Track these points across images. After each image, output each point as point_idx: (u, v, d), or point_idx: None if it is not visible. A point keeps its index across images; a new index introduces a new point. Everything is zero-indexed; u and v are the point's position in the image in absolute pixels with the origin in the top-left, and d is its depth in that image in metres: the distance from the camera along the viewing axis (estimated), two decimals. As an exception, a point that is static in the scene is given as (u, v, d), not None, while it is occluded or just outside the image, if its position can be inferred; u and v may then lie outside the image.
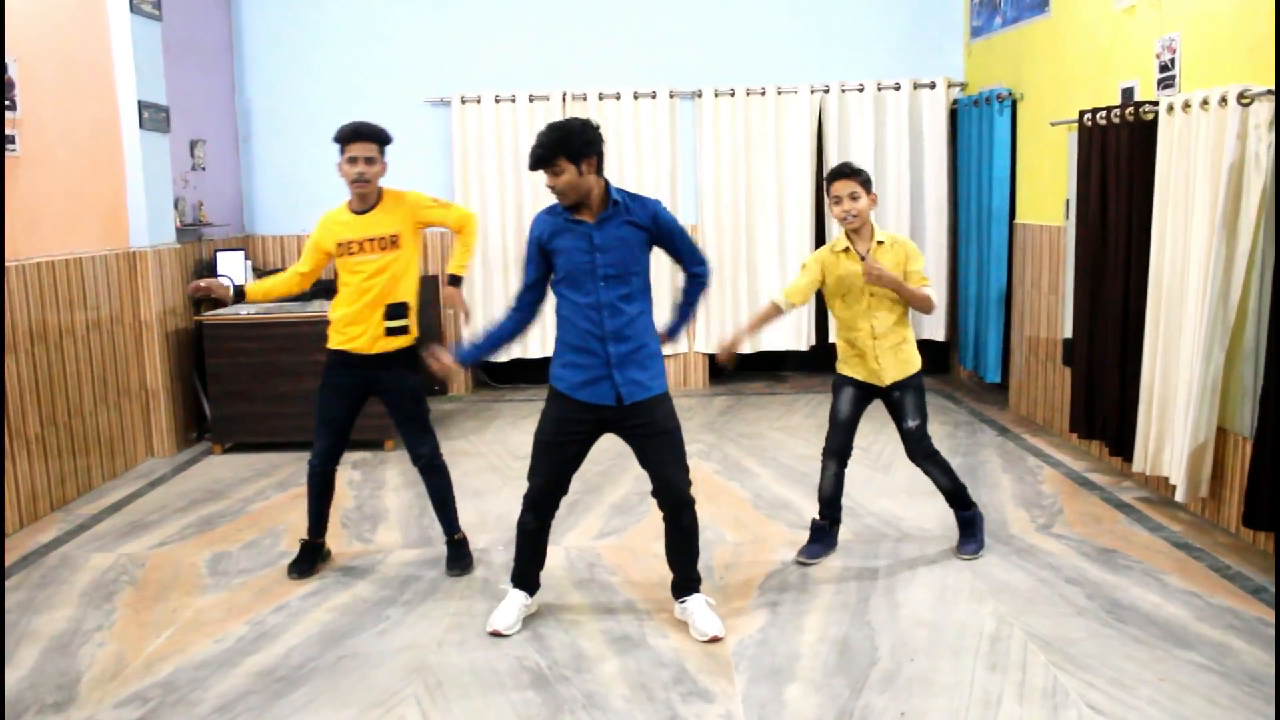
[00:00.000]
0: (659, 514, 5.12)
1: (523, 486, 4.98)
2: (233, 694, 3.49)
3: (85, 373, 5.82)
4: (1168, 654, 3.65)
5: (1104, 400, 5.72)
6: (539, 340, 8.11)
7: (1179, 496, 4.90)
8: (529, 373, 8.47)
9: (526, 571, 4.04)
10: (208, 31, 7.64)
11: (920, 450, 4.58)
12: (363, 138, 4.28)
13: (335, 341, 4.44)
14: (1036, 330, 6.90)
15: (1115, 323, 5.56)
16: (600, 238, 3.70)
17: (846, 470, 4.67)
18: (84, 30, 6.00)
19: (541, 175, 3.70)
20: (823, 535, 4.69)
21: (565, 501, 5.30)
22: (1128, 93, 5.64)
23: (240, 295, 4.65)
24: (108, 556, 4.82)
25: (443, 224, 4.61)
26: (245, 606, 4.21)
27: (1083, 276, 5.90)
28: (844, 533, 4.90)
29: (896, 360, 4.48)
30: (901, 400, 4.52)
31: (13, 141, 5.27)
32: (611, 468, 6.07)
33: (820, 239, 8.12)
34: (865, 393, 4.57)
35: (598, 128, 3.75)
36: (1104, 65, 5.90)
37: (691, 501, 3.89)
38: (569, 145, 3.63)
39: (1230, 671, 3.51)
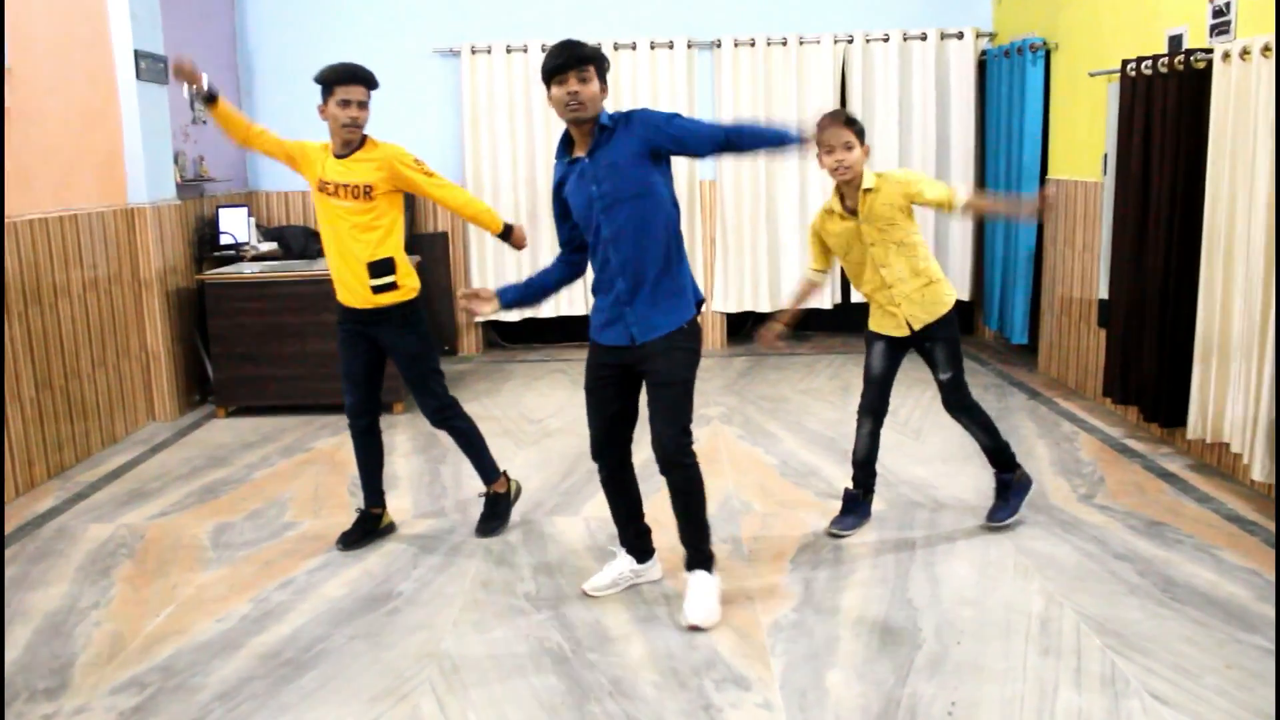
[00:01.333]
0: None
1: (539, 450, 4.76)
2: (235, 679, 3.28)
3: (83, 334, 5.58)
4: (1230, 638, 3.42)
5: (1143, 364, 5.47)
6: (551, 299, 7.84)
7: (1256, 472, 4.60)
8: (542, 333, 8.23)
9: (622, 526, 3.88)
10: (207, -22, 7.33)
11: (955, 402, 4.34)
12: (359, 80, 4.03)
13: (337, 294, 4.26)
14: (1069, 290, 6.63)
15: (1158, 283, 5.30)
16: (592, 168, 3.43)
17: (882, 430, 4.43)
18: (76, -26, 5.71)
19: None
20: (856, 505, 4.45)
21: (585, 467, 5.16)
22: (1175, 40, 5.33)
23: (212, 99, 4.25)
24: (106, 527, 4.61)
25: (424, 194, 4.23)
26: (249, 582, 3.99)
27: (1122, 235, 5.62)
28: (877, 502, 4.66)
29: (923, 303, 4.19)
30: (932, 351, 4.28)
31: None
32: (635, 432, 5.84)
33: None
34: (896, 346, 4.31)
35: None
36: (1149, 12, 5.59)
37: (683, 459, 3.58)
38: (602, 60, 3.44)
39: (1301, 657, 3.28)
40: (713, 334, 8.12)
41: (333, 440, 5.79)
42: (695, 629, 3.53)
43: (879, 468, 4.59)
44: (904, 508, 4.65)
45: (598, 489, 4.91)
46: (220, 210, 6.96)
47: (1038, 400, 6.38)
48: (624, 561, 3.86)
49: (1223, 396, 4.87)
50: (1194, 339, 5.05)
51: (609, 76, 3.53)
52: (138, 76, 6.03)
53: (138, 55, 6.02)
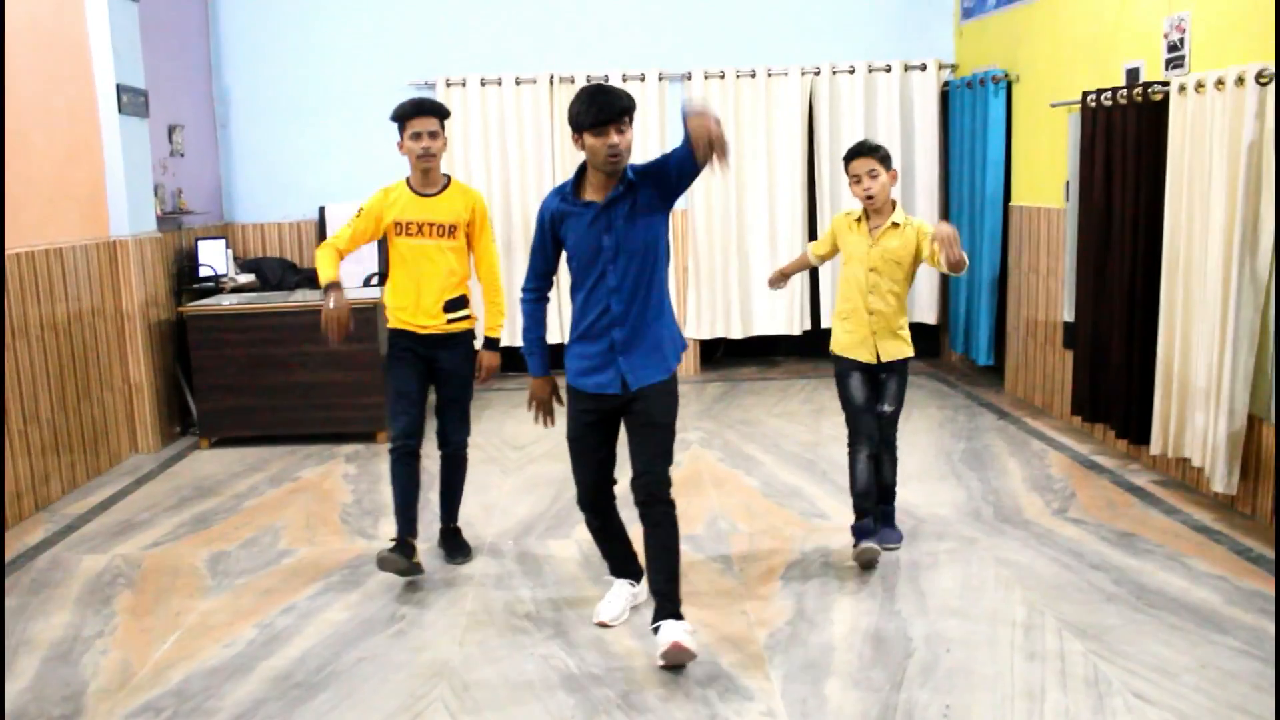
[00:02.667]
0: (687, 503, 5.07)
1: (525, 477, 4.89)
2: (249, 701, 3.34)
3: (68, 367, 5.61)
4: (1204, 639, 3.59)
5: (1109, 383, 5.67)
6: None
7: (1216, 484, 4.80)
8: (516, 362, 8.30)
9: (616, 561, 3.97)
10: (184, 13, 7.40)
11: (887, 436, 4.49)
12: (425, 112, 4.14)
13: (394, 322, 4.33)
14: (1034, 313, 6.85)
15: (1122, 305, 5.51)
16: (606, 218, 3.48)
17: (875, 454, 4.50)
18: (60, 10, 5.76)
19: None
20: (867, 532, 4.39)
21: (571, 493, 5.24)
22: (1133, 73, 5.58)
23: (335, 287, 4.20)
24: (101, 558, 4.64)
25: (477, 247, 4.38)
26: (251, 608, 4.05)
27: (1086, 259, 5.84)
28: (860, 521, 4.82)
29: (894, 343, 4.39)
30: (887, 382, 4.44)
31: (-11, 127, 5.05)
32: (620, 454, 5.95)
33: (812, 222, 8.03)
34: (868, 371, 4.46)
35: None
36: (1107, 46, 5.84)
37: (666, 498, 3.59)
38: (634, 105, 3.45)
39: (1270, 656, 3.45)
40: (686, 360, 8.26)
41: (319, 469, 5.86)
42: (681, 657, 3.45)
43: (847, 484, 4.69)
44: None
45: (577, 520, 5.04)
46: (199, 242, 7.01)
47: (1006, 420, 6.58)
48: (623, 585, 3.95)
49: (1184, 414, 5.07)
50: (1156, 358, 5.26)
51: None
52: (119, 110, 6.09)
53: (119, 89, 6.08)
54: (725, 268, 8.02)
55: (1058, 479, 5.40)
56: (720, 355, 8.59)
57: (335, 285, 4.11)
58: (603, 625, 3.82)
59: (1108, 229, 5.63)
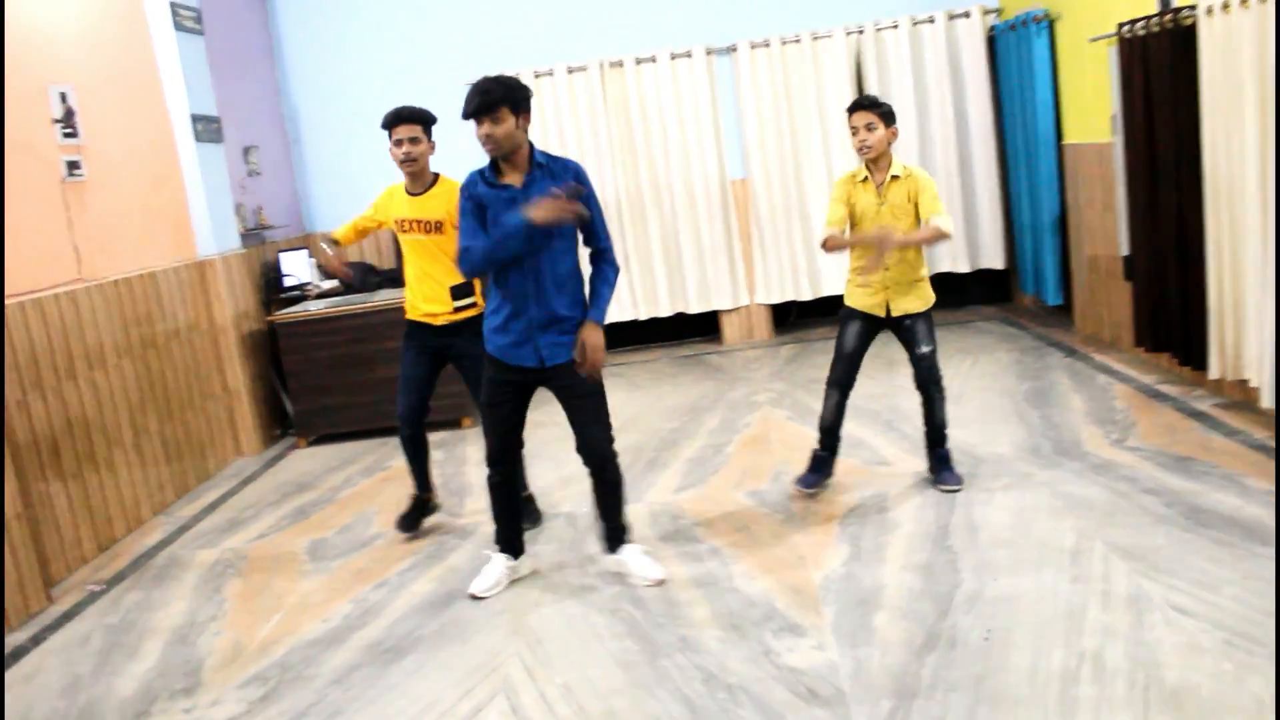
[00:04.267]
0: (737, 463, 5.31)
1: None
2: (345, 667, 3.67)
3: (171, 381, 6.06)
4: (1250, 553, 3.68)
5: (1168, 312, 5.70)
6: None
7: (1265, 400, 4.85)
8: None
9: (507, 530, 4.22)
10: (248, 41, 7.82)
11: (933, 376, 4.68)
12: (404, 120, 4.53)
13: (410, 314, 4.73)
14: (1095, 249, 6.86)
15: (1172, 234, 5.53)
16: (524, 199, 3.71)
17: (849, 402, 4.79)
18: (132, 51, 6.19)
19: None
20: (822, 465, 4.82)
21: (644, 459, 5.52)
22: (1165, -1, 5.58)
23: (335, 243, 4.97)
24: (212, 552, 5.05)
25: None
26: (347, 587, 4.40)
27: (1135, 191, 5.86)
28: (918, 463, 4.98)
29: (910, 296, 4.60)
30: (914, 327, 4.65)
31: (79, 167, 5.48)
32: (686, 423, 6.21)
33: (868, 180, 8.12)
34: (872, 325, 4.66)
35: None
36: (1140, -26, 5.83)
37: (612, 456, 4.02)
38: (514, 96, 3.68)
39: (1315, 563, 3.53)
40: (759, 325, 8.44)
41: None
42: (660, 583, 4.02)
43: (919, 432, 4.86)
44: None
45: (657, 476, 5.31)
46: (281, 255, 7.42)
47: (1075, 357, 6.62)
48: (501, 560, 4.20)
49: (1239, 335, 5.10)
50: (1207, 284, 5.28)
51: (530, 104, 3.77)
52: (196, 138, 6.50)
53: (194, 119, 6.50)
54: (789, 232, 8.16)
55: (1120, 410, 5.46)
56: (794, 319, 8.74)
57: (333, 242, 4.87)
58: (474, 597, 4.10)
59: (1153, 159, 5.65)
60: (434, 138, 4.62)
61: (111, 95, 5.89)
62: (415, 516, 4.94)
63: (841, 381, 4.72)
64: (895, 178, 4.47)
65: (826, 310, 8.63)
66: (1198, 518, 4.02)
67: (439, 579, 4.35)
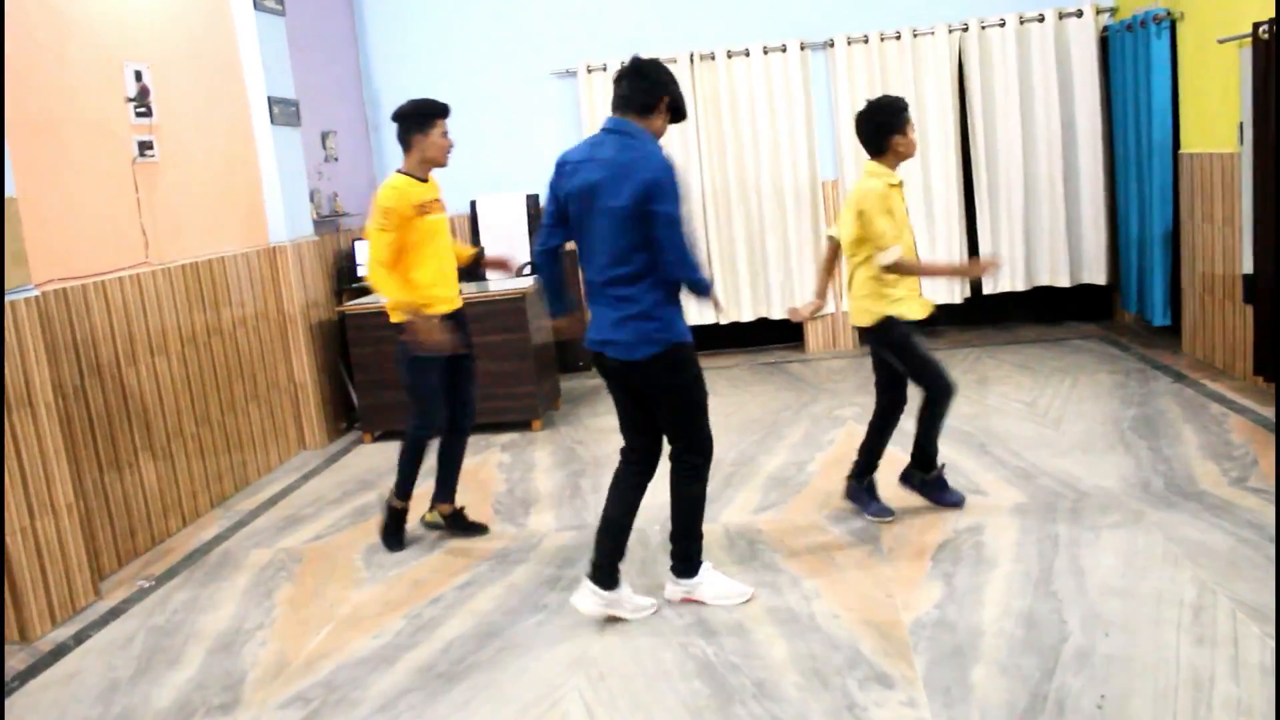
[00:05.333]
0: (820, 485, 5.00)
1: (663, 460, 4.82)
2: (393, 692, 3.43)
3: (235, 370, 5.90)
4: (1402, 621, 3.27)
5: (1296, 339, 5.25)
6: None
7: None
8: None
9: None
10: (331, 22, 7.66)
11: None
12: (448, 114, 4.56)
13: (431, 307, 4.52)
14: (1211, 267, 6.39)
15: (1307, 254, 5.08)
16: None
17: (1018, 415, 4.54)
18: (210, 30, 6.04)
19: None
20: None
21: (720, 474, 5.22)
22: (1310, -1, 5.11)
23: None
24: (266, 552, 4.86)
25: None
26: (401, 599, 4.16)
27: (1265, 205, 5.41)
28: (1018, 495, 4.62)
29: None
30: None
31: (151, 148, 5.33)
32: (765, 436, 5.90)
33: (968, 185, 7.72)
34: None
35: None
36: (1280, -29, 5.36)
37: (685, 460, 3.77)
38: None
39: None
40: (843, 336, 8.07)
41: (476, 459, 5.96)
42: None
43: (1020, 460, 4.53)
44: (1046, 500, 4.56)
45: (735, 494, 5.04)
46: (355, 243, 7.24)
47: (1184, 383, 6.17)
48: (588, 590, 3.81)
49: (1383, 369, 4.64)
50: (1348, 310, 4.83)
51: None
52: (272, 121, 6.34)
53: (271, 101, 6.33)
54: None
55: (1238, 445, 5.02)
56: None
57: (421, 308, 4.44)
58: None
59: (1287, 172, 5.20)
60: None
61: (187, 75, 5.74)
62: (397, 529, 4.78)
63: (954, 384, 4.51)
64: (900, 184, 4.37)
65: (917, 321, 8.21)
66: (1337, 575, 3.61)
67: (498, 598, 4.09)
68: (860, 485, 4.60)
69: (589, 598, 3.74)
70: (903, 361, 4.36)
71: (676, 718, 3.13)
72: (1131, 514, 4.32)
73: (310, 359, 6.51)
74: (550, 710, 3.23)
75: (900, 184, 4.32)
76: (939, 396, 4.42)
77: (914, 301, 4.37)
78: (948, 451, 5.29)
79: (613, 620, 3.79)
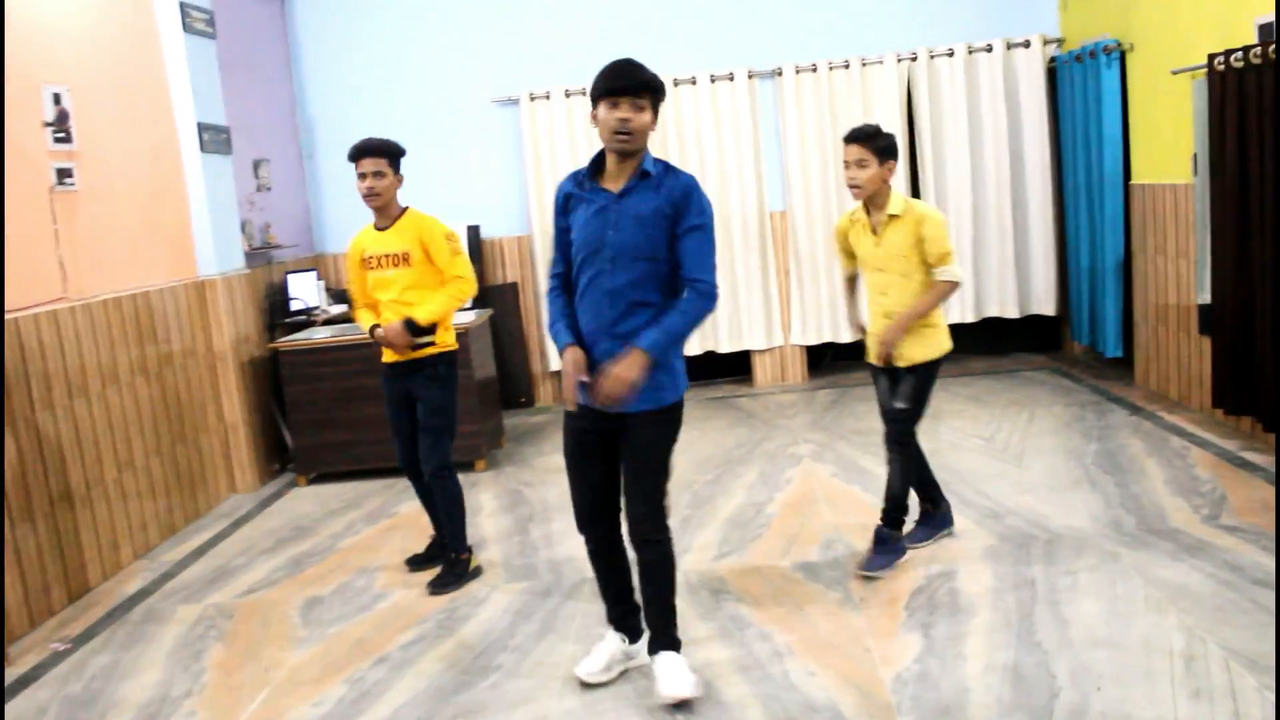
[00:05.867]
0: (782, 528, 4.79)
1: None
2: (338, 767, 3.15)
3: (161, 411, 5.55)
4: (1401, 668, 3.14)
5: (1255, 371, 5.17)
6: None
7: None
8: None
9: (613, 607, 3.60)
10: (264, 47, 7.36)
11: (898, 435, 4.22)
12: (368, 153, 4.33)
13: (382, 355, 4.55)
14: (1164, 298, 6.34)
15: (1269, 284, 5.01)
16: (617, 211, 3.17)
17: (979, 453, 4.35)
18: (137, 52, 5.72)
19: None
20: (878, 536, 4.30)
21: (677, 517, 4.99)
22: (1266, 29, 5.07)
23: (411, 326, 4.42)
24: (194, 608, 4.52)
25: (442, 269, 4.48)
26: (343, 661, 3.86)
27: (1223, 236, 5.35)
28: (989, 537, 4.46)
29: (915, 342, 4.13)
30: (901, 379, 4.19)
31: (70, 175, 5.00)
32: (721, 476, 5.69)
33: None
34: (887, 375, 4.25)
35: None
36: (1234, 3, 5.33)
37: (655, 540, 3.32)
38: (658, 87, 3.19)
39: None
40: (792, 368, 7.92)
41: (415, 504, 5.63)
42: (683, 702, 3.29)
43: (985, 499, 4.40)
44: (1017, 541, 4.41)
45: (693, 538, 4.81)
46: (289, 276, 6.94)
47: (1140, 415, 6.09)
48: (615, 640, 3.55)
49: (1350, 402, 4.57)
50: (1312, 343, 4.76)
51: (660, 109, 3.25)
52: (202, 149, 6.03)
53: (201, 127, 6.02)
54: (830, 269, 7.64)
55: (1204, 480, 4.92)
56: (829, 361, 8.23)
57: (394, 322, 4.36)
58: (582, 683, 3.46)
59: (1245, 202, 5.15)
60: (401, 170, 4.42)
61: (112, 99, 5.42)
62: (424, 558, 4.75)
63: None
64: (894, 217, 4.03)
65: (863, 353, 8.08)
66: (1326, 620, 3.48)
67: (448, 657, 3.81)
68: (936, 510, 4.44)
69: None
70: (916, 399, 4.16)
71: (649, 793, 2.89)
72: (1107, 555, 4.17)
73: (242, 398, 6.17)
74: (511, 787, 2.97)
75: (861, 218, 4.20)
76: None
77: (868, 338, 4.30)
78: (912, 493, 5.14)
79: (572, 682, 3.53)
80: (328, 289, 7.42)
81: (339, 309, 7.10)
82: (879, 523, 4.28)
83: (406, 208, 4.49)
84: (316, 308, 6.95)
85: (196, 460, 5.86)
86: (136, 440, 5.31)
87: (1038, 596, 3.87)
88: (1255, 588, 3.76)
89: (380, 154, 4.32)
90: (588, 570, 4.45)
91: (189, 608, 4.53)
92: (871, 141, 3.97)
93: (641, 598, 3.44)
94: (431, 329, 4.40)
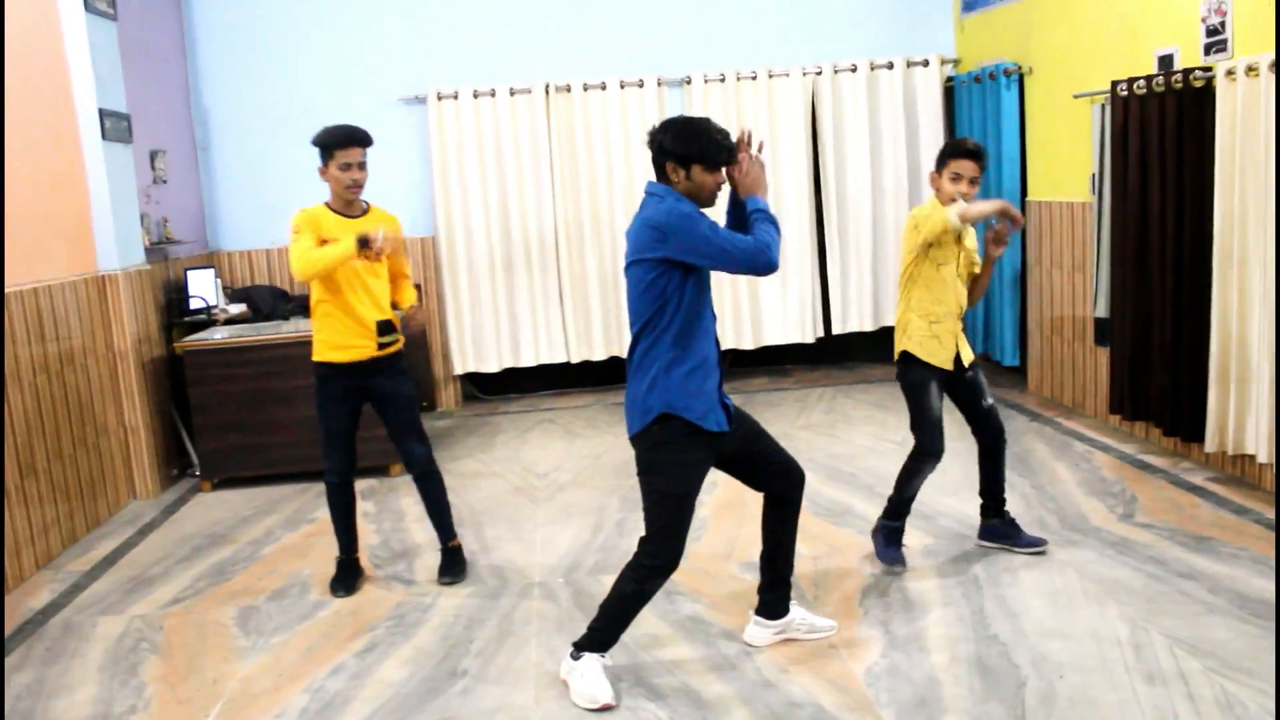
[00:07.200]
0: (720, 531, 4.85)
1: (557, 506, 4.70)
2: (317, 779, 3.03)
3: (62, 412, 5.24)
4: (1328, 652, 3.38)
5: (1154, 380, 5.49)
6: (531, 348, 7.68)
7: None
8: (519, 383, 8.01)
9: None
10: (160, 32, 7.03)
11: (1001, 428, 4.36)
12: (357, 142, 4.19)
13: (323, 354, 4.30)
14: (1059, 310, 6.66)
15: (1166, 300, 5.33)
16: None
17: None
18: (37, 33, 5.40)
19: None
20: (899, 535, 4.38)
21: (609, 523, 5.00)
22: (1166, 60, 5.40)
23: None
24: (117, 621, 4.28)
25: (398, 267, 4.51)
26: (296, 671, 3.72)
27: (1121, 254, 5.66)
28: (924, 537, 4.61)
29: (965, 344, 4.31)
30: (975, 379, 4.32)
31: (-30, 159, 4.69)
32: (646, 481, 5.68)
33: (820, 224, 7.79)
34: (943, 383, 4.27)
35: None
36: (1134, 33, 5.66)
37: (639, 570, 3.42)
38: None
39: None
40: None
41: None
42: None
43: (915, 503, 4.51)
44: (952, 539, 4.57)
45: (631, 543, 4.76)
46: (188, 272, 6.65)
47: (1040, 421, 6.38)
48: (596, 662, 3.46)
49: (1244, 409, 4.89)
50: (1208, 353, 5.07)
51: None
52: (103, 136, 5.72)
53: (102, 114, 5.71)
54: (733, 277, 7.76)
55: (1113, 481, 5.20)
56: (728, 366, 8.34)
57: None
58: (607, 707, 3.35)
59: (1144, 221, 5.46)
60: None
61: (11, 80, 5.08)
62: (352, 578, 4.48)
63: (941, 450, 4.22)
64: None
65: (765, 360, 8.25)
66: (1251, 608, 3.72)
67: (410, 664, 3.72)
68: (1003, 522, 4.42)
69: (755, 630, 3.68)
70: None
71: (650, 792, 2.88)
72: (1039, 553, 4.35)
73: (142, 399, 5.87)
74: (507, 791, 2.92)
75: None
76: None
77: (929, 342, 4.19)
78: (839, 496, 5.27)
79: (545, 685, 3.49)
80: (225, 287, 7.14)
81: (237, 308, 6.84)
82: (1006, 514, 4.40)
83: (367, 201, 4.37)
84: (215, 306, 6.68)
85: (97, 464, 5.55)
86: (38, 442, 5.00)
87: (984, 592, 4.01)
88: (1181, 580, 3.99)
89: (365, 144, 4.20)
90: (531, 571, 4.49)
91: (111, 620, 4.29)
92: (982, 160, 4.14)
93: (785, 559, 3.68)
94: (395, 327, 4.34)
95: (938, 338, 4.16)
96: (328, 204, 4.28)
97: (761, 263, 3.14)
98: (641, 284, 3.24)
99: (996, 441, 4.37)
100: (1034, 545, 4.35)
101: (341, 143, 4.13)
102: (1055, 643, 3.57)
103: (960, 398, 4.33)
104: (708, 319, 3.32)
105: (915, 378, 4.20)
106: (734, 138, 3.33)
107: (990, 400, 4.33)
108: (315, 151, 4.19)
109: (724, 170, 3.30)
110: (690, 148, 3.22)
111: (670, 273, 3.19)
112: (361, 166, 4.19)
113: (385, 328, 4.29)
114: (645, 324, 3.26)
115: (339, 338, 4.24)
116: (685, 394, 3.25)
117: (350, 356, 4.25)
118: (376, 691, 3.52)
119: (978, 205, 4.05)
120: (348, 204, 4.26)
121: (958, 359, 4.22)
